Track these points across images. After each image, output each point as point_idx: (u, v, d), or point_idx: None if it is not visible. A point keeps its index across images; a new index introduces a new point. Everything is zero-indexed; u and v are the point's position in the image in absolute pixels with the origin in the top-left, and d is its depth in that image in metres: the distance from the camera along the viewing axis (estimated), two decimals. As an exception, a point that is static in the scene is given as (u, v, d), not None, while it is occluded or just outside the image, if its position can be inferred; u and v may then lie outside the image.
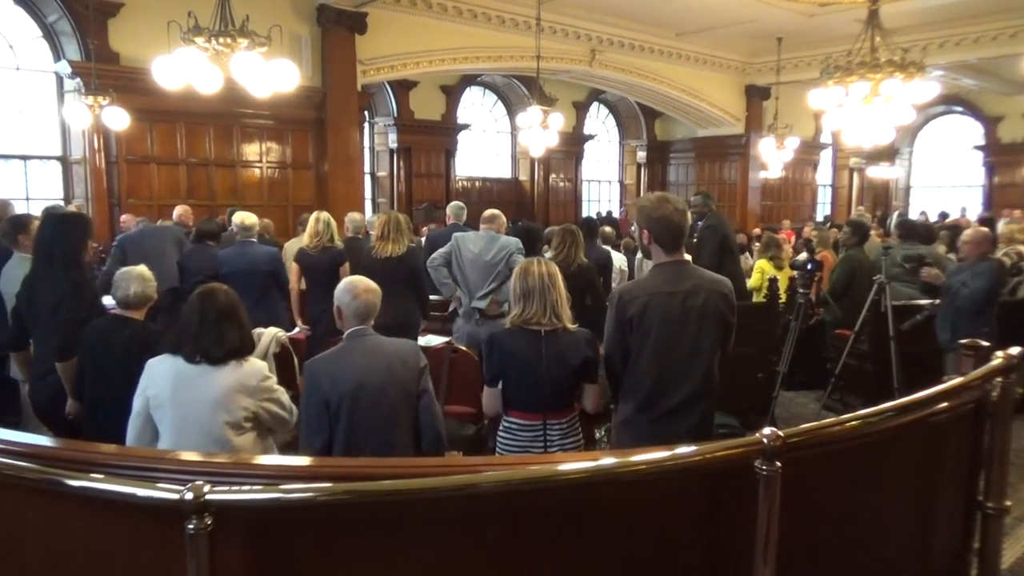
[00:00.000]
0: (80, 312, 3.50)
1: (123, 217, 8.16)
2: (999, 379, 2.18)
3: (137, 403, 2.78)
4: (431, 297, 5.55)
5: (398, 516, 1.65)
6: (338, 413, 2.73)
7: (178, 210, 7.46)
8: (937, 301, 5.34)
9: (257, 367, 2.82)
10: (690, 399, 2.75)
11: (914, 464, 2.12)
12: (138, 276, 3.38)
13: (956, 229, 8.00)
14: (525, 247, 5.11)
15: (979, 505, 2.24)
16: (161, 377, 2.74)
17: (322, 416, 2.74)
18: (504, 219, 5.35)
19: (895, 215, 13.51)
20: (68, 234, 3.65)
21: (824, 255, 7.53)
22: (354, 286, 2.90)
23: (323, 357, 2.89)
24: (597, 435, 4.73)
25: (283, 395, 2.88)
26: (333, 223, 5.49)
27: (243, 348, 2.79)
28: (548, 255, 5.36)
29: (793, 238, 11.93)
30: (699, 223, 6.34)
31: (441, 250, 5.18)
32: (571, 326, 2.93)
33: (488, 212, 5.30)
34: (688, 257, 2.98)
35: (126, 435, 2.79)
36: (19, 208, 6.84)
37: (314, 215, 5.47)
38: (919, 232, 6.93)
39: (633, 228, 3.07)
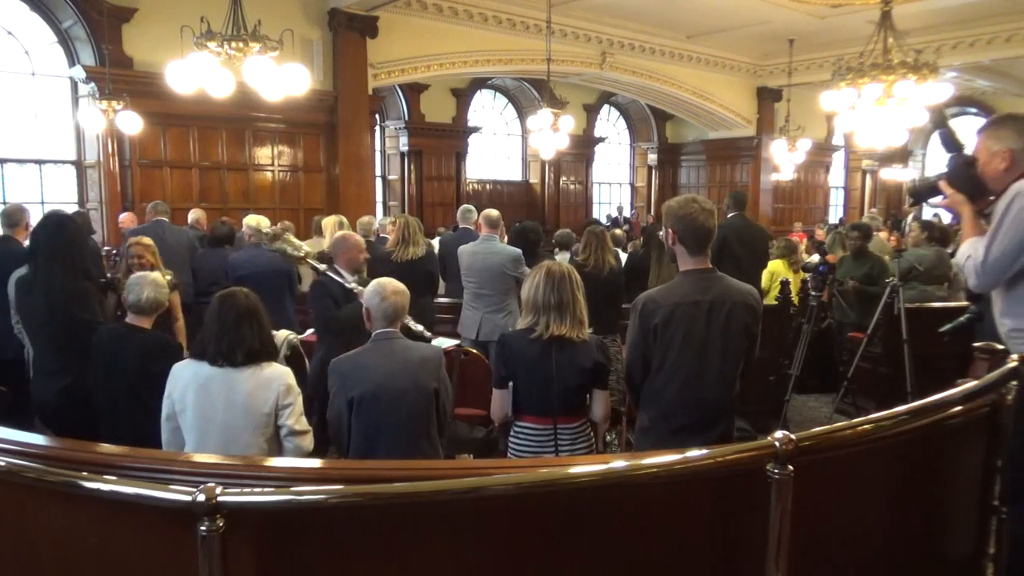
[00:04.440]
0: (94, 318, 3.51)
1: (122, 217, 8.07)
2: (1014, 383, 2.15)
3: (164, 408, 2.79)
4: (440, 300, 5.56)
5: (409, 518, 1.66)
6: (359, 412, 2.76)
7: (194, 214, 7.51)
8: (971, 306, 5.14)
9: (279, 372, 2.80)
10: (712, 413, 2.69)
11: (927, 468, 2.10)
12: (152, 282, 3.35)
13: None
14: (524, 249, 5.06)
15: (994, 510, 2.22)
16: (184, 382, 2.74)
17: (347, 414, 2.78)
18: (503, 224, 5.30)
19: (908, 217, 13.39)
20: (51, 235, 3.63)
21: (832, 258, 7.45)
22: (383, 288, 2.89)
23: (347, 356, 2.92)
24: (608, 438, 4.71)
25: (299, 406, 2.83)
26: (349, 228, 5.53)
27: (263, 351, 2.77)
28: (559, 256, 5.34)
29: (805, 240, 11.85)
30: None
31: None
32: (585, 331, 2.89)
33: (487, 215, 5.20)
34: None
35: (136, 440, 2.75)
36: (34, 212, 6.89)
37: (333, 220, 5.47)
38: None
39: (661, 232, 3.01)
